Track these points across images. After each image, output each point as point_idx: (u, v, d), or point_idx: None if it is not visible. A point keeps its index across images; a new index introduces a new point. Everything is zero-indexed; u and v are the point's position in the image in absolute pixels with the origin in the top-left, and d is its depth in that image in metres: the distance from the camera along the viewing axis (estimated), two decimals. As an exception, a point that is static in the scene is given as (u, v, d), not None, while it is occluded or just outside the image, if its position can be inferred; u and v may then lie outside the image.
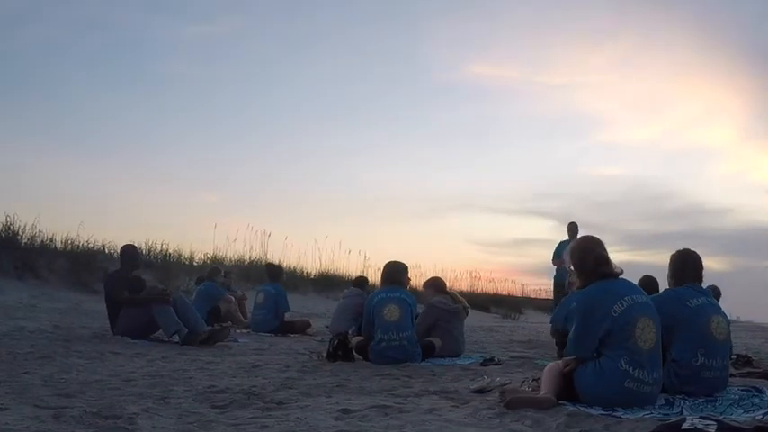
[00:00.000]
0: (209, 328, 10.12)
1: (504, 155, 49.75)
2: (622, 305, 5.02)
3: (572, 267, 5.75)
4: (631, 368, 4.90)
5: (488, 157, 49.78)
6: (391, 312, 8.16)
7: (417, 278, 28.07)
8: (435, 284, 9.67)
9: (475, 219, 46.81)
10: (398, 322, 8.12)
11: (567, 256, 13.87)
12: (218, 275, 14.38)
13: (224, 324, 11.89)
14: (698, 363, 5.63)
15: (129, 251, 10.44)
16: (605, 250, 5.37)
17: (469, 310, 9.64)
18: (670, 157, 49.55)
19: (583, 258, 5.36)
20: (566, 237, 14.79)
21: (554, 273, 15.07)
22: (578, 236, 13.99)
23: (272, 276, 13.65)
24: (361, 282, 12.53)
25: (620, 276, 5.30)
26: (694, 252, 6.18)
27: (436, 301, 9.16)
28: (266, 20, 41.81)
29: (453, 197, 48.17)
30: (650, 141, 49.21)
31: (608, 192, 48.59)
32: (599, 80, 47.18)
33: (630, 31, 45.54)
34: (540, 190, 46.97)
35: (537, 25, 46.54)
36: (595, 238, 5.47)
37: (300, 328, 13.20)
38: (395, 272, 8.60)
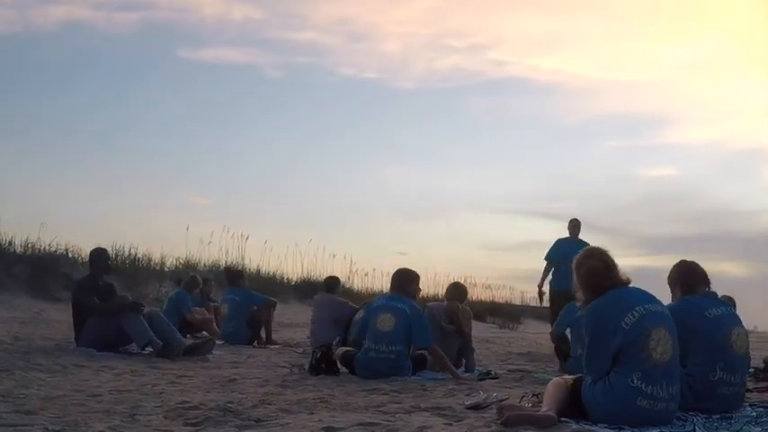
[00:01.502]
0: (191, 341, 10.13)
1: (512, 154, 49.74)
2: (634, 316, 4.98)
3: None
4: (644, 384, 4.86)
5: (493, 156, 49.70)
6: (385, 322, 8.15)
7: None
8: (453, 291, 9.76)
9: (477, 220, 46.75)
10: (391, 333, 8.10)
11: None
12: (195, 287, 14.28)
13: (203, 336, 11.91)
14: (716, 377, 5.63)
15: (100, 255, 10.42)
16: (610, 258, 5.34)
17: (467, 328, 9.48)
18: (692, 157, 49.75)
19: (586, 271, 5.33)
20: (566, 234, 14.51)
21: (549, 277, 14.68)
22: (580, 234, 14.07)
23: (232, 281, 13.65)
24: (332, 283, 12.44)
25: (630, 285, 5.28)
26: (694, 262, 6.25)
27: (434, 308, 9.17)
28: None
29: (453, 197, 48.08)
30: (674, 142, 49.48)
31: (625, 193, 48.78)
32: (610, 78, 47.46)
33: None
34: (552, 190, 47.00)
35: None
36: (597, 248, 5.47)
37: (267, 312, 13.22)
38: (401, 279, 8.59)
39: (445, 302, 9.55)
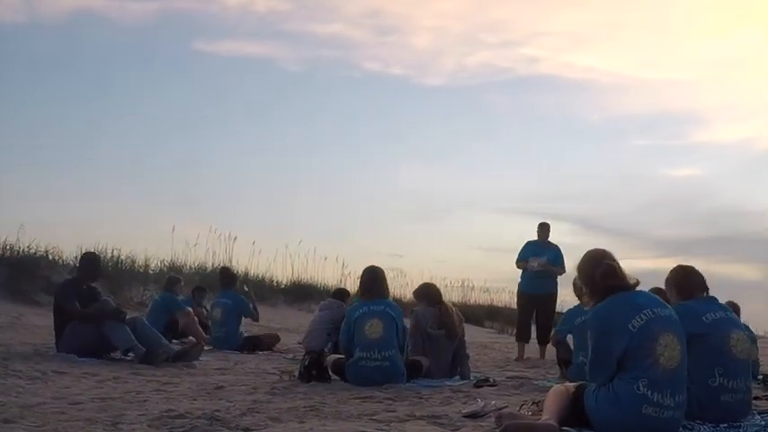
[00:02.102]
0: (179, 346, 10.12)
1: (532, 153, 49.73)
2: (642, 319, 4.98)
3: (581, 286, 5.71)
4: (650, 392, 4.85)
5: (511, 156, 49.68)
6: (373, 329, 8.15)
7: (402, 289, 28.10)
8: (425, 294, 9.40)
9: (481, 221, 46.60)
10: (381, 340, 8.12)
11: (534, 262, 13.84)
12: (176, 285, 14.34)
13: (188, 340, 11.90)
14: (715, 383, 5.64)
15: (90, 260, 10.43)
16: (615, 260, 5.34)
17: (459, 331, 9.26)
18: (718, 156, 49.82)
19: (590, 274, 5.33)
20: (534, 237, 14.47)
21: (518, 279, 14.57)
22: (549, 237, 14.14)
23: (226, 283, 13.64)
24: (342, 294, 12.51)
25: (638, 288, 5.29)
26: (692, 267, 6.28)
27: (420, 313, 9.10)
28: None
29: (458, 197, 47.91)
30: (701, 141, 49.62)
31: (643, 193, 48.82)
32: (645, 75, 47.66)
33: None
34: (566, 190, 46.99)
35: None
36: (600, 250, 5.46)
37: (268, 341, 13.20)
38: (377, 279, 8.60)
39: (427, 306, 9.23)
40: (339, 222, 40.64)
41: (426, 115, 46.61)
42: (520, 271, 14.16)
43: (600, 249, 5.49)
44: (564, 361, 9.22)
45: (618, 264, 5.33)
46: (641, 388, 4.86)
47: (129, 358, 9.55)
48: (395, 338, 8.22)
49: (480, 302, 35.29)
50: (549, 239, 14.17)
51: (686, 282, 6.18)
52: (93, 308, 9.76)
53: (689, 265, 6.31)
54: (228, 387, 7.49)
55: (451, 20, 43.89)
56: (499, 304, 36.91)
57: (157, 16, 38.81)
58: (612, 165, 47.70)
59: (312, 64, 42.84)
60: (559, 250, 14.05)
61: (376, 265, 8.77)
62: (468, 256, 46.07)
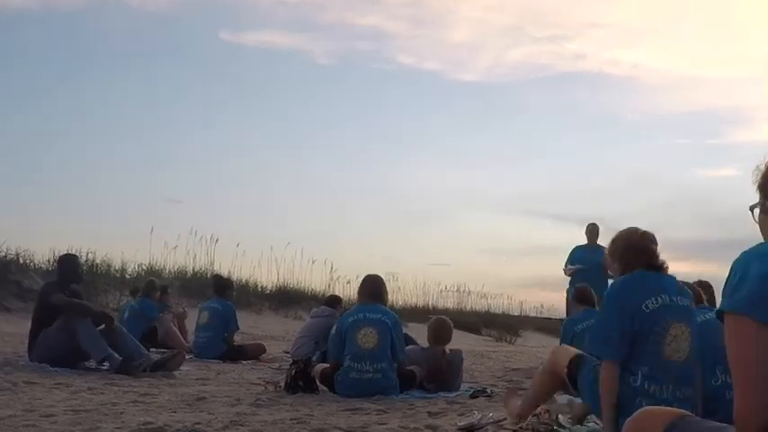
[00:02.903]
0: (159, 355, 10.12)
1: (562, 154, 49.74)
2: (657, 302, 5.02)
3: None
4: (648, 383, 4.88)
5: (523, 154, 49.69)
6: (367, 337, 8.10)
7: (394, 294, 28.12)
8: (435, 332, 9.18)
9: (486, 222, 46.64)
10: (374, 350, 8.07)
11: (568, 270, 13.85)
12: (154, 291, 14.35)
13: (169, 349, 11.89)
14: (718, 382, 5.64)
15: (70, 262, 10.41)
16: (653, 239, 5.39)
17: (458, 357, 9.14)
18: (758, 156, 49.79)
19: (626, 244, 5.38)
20: (584, 241, 14.55)
21: (566, 286, 14.76)
22: (599, 239, 14.15)
23: (219, 290, 13.62)
24: (333, 301, 12.51)
25: (668, 273, 5.32)
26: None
27: (427, 351, 8.96)
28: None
29: (454, 195, 48.13)
30: (743, 141, 49.72)
31: (671, 194, 48.89)
32: (693, 73, 47.74)
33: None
34: (588, 192, 47.03)
35: None
36: (645, 230, 5.51)
37: (253, 352, 13.19)
38: (374, 286, 8.62)
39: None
40: (331, 224, 40.72)
41: (454, 112, 46.77)
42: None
43: (638, 229, 5.53)
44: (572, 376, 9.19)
45: (655, 242, 5.39)
46: (639, 378, 4.89)
47: (104, 368, 9.54)
48: (388, 349, 8.17)
49: (477, 308, 35.33)
50: (599, 242, 14.17)
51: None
52: (84, 304, 9.81)
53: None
54: (210, 398, 7.48)
55: (495, 12, 43.92)
56: (496, 310, 37.01)
57: (181, 3, 39.09)
58: (646, 165, 47.71)
59: (343, 57, 43.03)
60: None
61: (376, 274, 8.83)
62: (469, 258, 46.25)
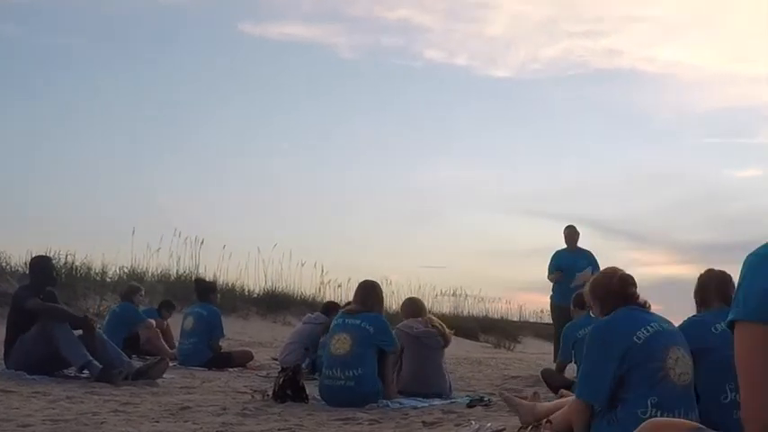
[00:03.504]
0: (140, 363, 10.11)
1: (586, 154, 49.72)
2: (648, 331, 5.08)
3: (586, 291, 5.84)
4: (659, 411, 4.85)
5: (523, 151, 49.68)
6: (339, 343, 8.19)
7: (389, 298, 28.07)
8: (408, 308, 9.65)
9: (484, 221, 46.67)
10: (346, 357, 8.11)
11: (580, 279, 13.82)
12: (136, 295, 14.33)
13: (151, 356, 11.87)
14: (727, 400, 5.65)
15: (42, 264, 10.38)
16: (631, 279, 5.50)
17: (450, 337, 9.44)
18: (751, 153, 49.96)
19: (605, 291, 5.47)
20: (562, 245, 14.52)
21: (550, 292, 14.74)
22: (578, 242, 14.15)
23: (202, 295, 13.59)
24: (328, 308, 12.49)
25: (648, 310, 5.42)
26: (720, 271, 6.27)
27: (402, 326, 9.16)
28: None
29: (453, 194, 48.14)
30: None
31: (659, 195, 48.92)
32: (734, 70, 47.80)
33: None
34: (601, 192, 47.01)
35: None
36: (617, 270, 5.61)
37: (240, 360, 13.18)
38: (367, 292, 8.63)
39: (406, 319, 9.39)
40: (321, 224, 40.64)
41: (479, 109, 46.71)
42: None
43: (616, 269, 5.65)
44: (565, 387, 9.18)
45: (634, 282, 5.49)
46: (650, 408, 4.87)
47: (84, 376, 9.53)
48: (367, 356, 8.19)
49: (474, 314, 35.26)
50: (579, 245, 14.20)
51: (703, 292, 6.23)
52: (62, 308, 9.81)
53: (716, 272, 6.35)
54: (195, 407, 7.49)
55: (531, 5, 43.95)
56: (495, 315, 36.94)
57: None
58: (670, 165, 47.68)
59: (368, 51, 42.99)
60: (593, 256, 14.06)
61: (373, 280, 8.88)
62: (467, 260, 46.25)
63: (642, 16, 44.16)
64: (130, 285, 15.02)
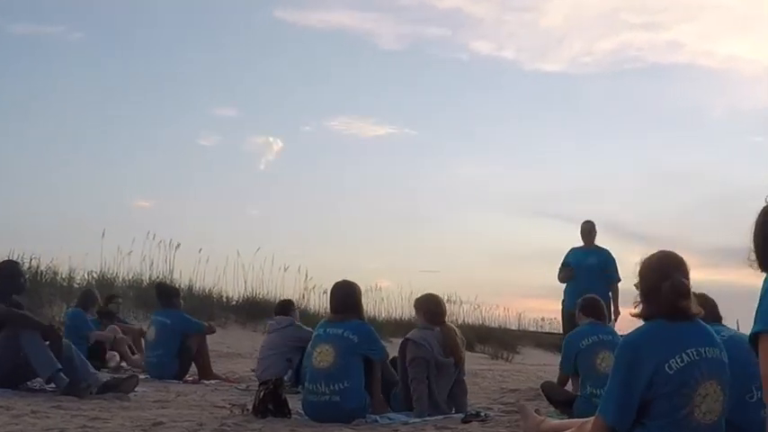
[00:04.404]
0: (108, 376, 10.10)
1: (620, 154, 49.72)
2: (683, 360, 4.83)
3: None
4: None
5: (578, 154, 49.68)
6: (322, 356, 8.15)
7: (377, 305, 28.10)
8: (427, 307, 9.12)
9: (484, 222, 46.71)
10: (330, 370, 8.09)
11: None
12: (92, 304, 14.26)
13: (122, 369, 11.87)
14: (753, 399, 5.58)
15: (10, 269, 10.32)
16: (688, 278, 5.13)
17: (464, 358, 9.12)
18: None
19: (656, 281, 5.07)
20: (579, 242, 14.48)
21: (561, 296, 14.65)
22: (595, 239, 14.13)
23: (165, 300, 13.53)
24: (286, 306, 12.44)
25: (697, 320, 5.10)
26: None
27: (417, 338, 8.70)
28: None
29: (453, 194, 48.18)
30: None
31: (680, 195, 48.97)
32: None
33: None
34: (583, 190, 47.03)
35: None
36: (678, 258, 5.24)
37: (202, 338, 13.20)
38: (346, 296, 8.60)
39: (435, 328, 8.88)
40: (308, 226, 40.65)
41: (516, 105, 46.81)
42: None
43: (677, 255, 5.28)
44: (561, 402, 9.15)
45: (689, 282, 5.12)
46: None
47: (50, 389, 9.51)
48: (352, 368, 8.17)
49: (469, 322, 35.20)
50: (597, 243, 14.18)
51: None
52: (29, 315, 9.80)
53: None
54: (169, 423, 7.49)
55: None
56: (492, 323, 36.92)
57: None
58: (712, 164, 47.67)
59: (412, 42, 43.12)
60: (610, 255, 14.01)
61: (349, 280, 8.80)
62: (463, 263, 46.30)
63: (709, 5, 44.16)
64: (87, 292, 14.93)
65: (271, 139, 42.13)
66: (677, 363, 4.81)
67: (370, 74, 44.24)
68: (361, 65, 44.00)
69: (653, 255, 5.28)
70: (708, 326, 5.19)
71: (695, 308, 5.04)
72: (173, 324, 12.97)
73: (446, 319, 9.30)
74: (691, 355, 4.84)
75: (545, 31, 44.54)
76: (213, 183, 40.88)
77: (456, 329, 9.22)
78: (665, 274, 5.06)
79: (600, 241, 14.26)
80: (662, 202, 46.13)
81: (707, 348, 4.93)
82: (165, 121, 40.87)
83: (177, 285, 19.62)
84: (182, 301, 14.20)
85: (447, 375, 8.81)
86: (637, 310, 5.19)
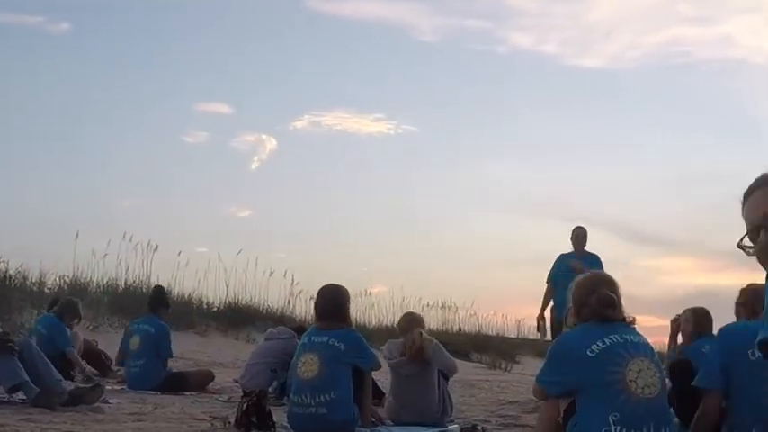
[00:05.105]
0: (75, 385, 10.06)
1: (650, 154, 49.78)
2: (604, 342, 5.22)
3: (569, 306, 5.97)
4: (625, 429, 4.99)
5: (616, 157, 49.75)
6: (307, 366, 8.14)
7: (366, 311, 28.08)
8: (400, 323, 9.61)
9: (484, 223, 46.76)
10: (315, 380, 8.07)
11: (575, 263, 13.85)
12: (74, 316, 14.24)
13: (91, 379, 11.83)
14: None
15: None
16: (616, 292, 5.61)
17: (432, 354, 9.10)
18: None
19: (585, 296, 5.61)
20: (569, 248, 14.55)
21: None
22: (586, 245, 14.17)
23: (154, 307, 13.52)
24: (299, 326, 12.50)
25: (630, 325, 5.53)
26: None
27: (384, 348, 9.13)
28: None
29: (453, 193, 48.25)
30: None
31: (698, 196, 49.14)
32: None
33: None
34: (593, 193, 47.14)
35: None
36: (608, 277, 5.80)
37: (198, 381, 13.14)
38: (332, 301, 8.57)
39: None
40: (295, 227, 40.61)
41: (544, 101, 46.60)
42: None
43: (604, 274, 5.92)
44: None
45: (618, 296, 5.61)
46: (612, 426, 4.99)
47: (18, 400, 9.49)
48: (339, 378, 8.13)
49: (466, 329, 35.20)
50: (587, 248, 14.23)
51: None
52: None
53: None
54: (146, 437, 7.49)
55: None
56: (489, 331, 36.92)
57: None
58: (763, 167, 47.65)
59: (450, 34, 43.18)
60: (599, 260, 14.08)
61: (336, 284, 8.76)
62: (459, 267, 46.27)
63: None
64: (69, 302, 14.85)
65: (264, 136, 41.90)
66: (598, 346, 5.21)
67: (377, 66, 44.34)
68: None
69: (585, 275, 5.95)
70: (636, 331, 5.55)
71: (629, 318, 5.57)
72: (156, 333, 12.96)
73: (419, 326, 9.40)
74: (614, 339, 5.26)
75: (590, 24, 44.62)
76: (198, 182, 40.76)
77: (420, 332, 9.23)
78: (591, 290, 5.59)
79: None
80: (700, 205, 46.18)
81: (631, 335, 5.36)
82: (146, 116, 40.73)
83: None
84: (169, 311, 14.16)
85: (412, 377, 9.01)
86: (570, 323, 5.65)
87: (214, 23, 41.26)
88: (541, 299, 14.72)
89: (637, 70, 45.12)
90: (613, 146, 47.35)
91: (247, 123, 45.50)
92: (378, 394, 8.97)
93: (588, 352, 5.15)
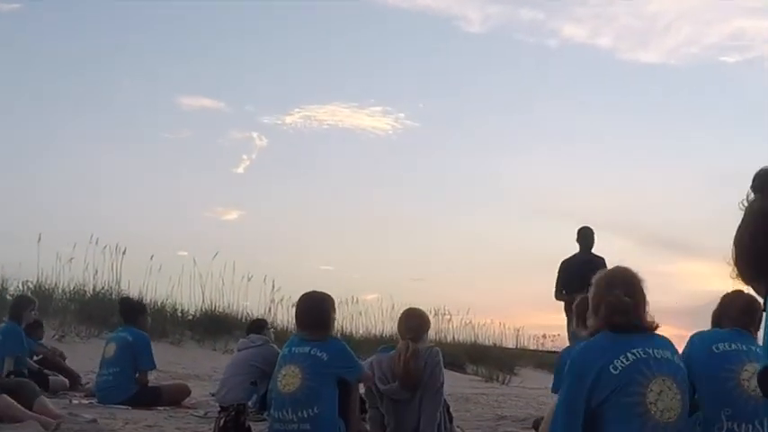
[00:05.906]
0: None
1: (692, 153, 49.80)
2: (627, 359, 5.12)
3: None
4: None
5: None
6: (287, 379, 8.01)
7: (354, 319, 28.06)
8: (398, 326, 9.12)
9: (484, 224, 46.77)
10: (297, 394, 7.95)
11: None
12: (24, 307, 14.18)
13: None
14: (723, 429, 5.72)
15: None
16: (634, 294, 5.46)
17: (421, 378, 8.68)
18: None
19: (600, 298, 5.50)
20: (600, 249, 14.55)
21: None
22: (593, 247, 14.16)
23: (129, 317, 13.48)
24: (259, 326, 12.46)
25: (655, 332, 5.42)
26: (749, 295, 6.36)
27: (373, 360, 8.76)
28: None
29: (454, 193, 48.27)
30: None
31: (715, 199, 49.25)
32: None
33: None
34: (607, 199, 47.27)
35: None
36: (626, 275, 5.58)
37: (172, 396, 13.11)
38: (312, 308, 8.49)
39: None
40: (274, 231, 40.62)
41: (591, 99, 46.61)
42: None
43: (622, 272, 5.64)
44: None
45: (640, 296, 5.48)
46: None
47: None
48: (323, 392, 8.00)
49: (460, 339, 35.16)
50: (594, 251, 14.22)
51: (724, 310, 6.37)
52: None
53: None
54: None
55: None
56: (486, 341, 36.87)
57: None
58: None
59: (500, 26, 43.33)
60: (605, 265, 14.04)
61: (319, 290, 8.69)
62: (453, 271, 46.28)
63: None
64: (21, 297, 14.82)
65: (255, 134, 41.94)
66: (622, 362, 5.11)
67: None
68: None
69: (604, 271, 5.81)
70: (665, 338, 5.47)
71: (652, 322, 5.43)
72: (133, 344, 12.83)
73: (414, 335, 8.85)
74: (637, 354, 5.15)
75: (649, 16, 44.78)
76: (181, 181, 40.63)
77: (406, 345, 8.71)
78: (608, 291, 5.47)
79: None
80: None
81: (655, 350, 5.23)
82: (119, 109, 40.66)
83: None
84: (148, 319, 14.08)
85: (402, 404, 8.69)
86: (589, 324, 5.58)
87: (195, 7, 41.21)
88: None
89: (694, 65, 45.26)
90: (651, 147, 47.41)
91: (235, 119, 45.30)
92: (364, 408, 8.87)
93: (611, 369, 5.08)
